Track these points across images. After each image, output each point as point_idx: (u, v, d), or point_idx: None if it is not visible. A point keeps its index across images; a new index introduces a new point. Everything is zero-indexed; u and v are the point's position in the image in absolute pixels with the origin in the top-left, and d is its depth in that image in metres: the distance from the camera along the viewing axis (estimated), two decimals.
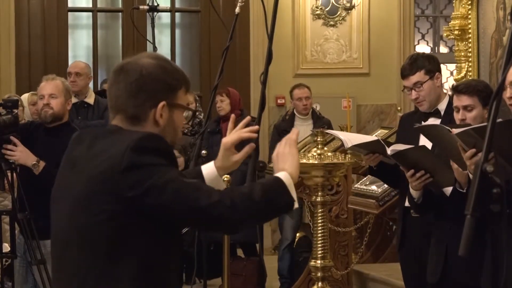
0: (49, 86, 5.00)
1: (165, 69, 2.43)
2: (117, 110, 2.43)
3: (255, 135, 2.72)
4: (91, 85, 9.72)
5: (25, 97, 7.13)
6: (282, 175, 2.39)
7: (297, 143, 2.56)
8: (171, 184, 2.26)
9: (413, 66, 4.35)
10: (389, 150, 3.91)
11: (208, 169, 2.73)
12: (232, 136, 2.72)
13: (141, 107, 2.39)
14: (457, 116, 3.87)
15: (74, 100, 6.80)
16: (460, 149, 3.30)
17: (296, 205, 2.38)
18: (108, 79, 2.46)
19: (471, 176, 3.44)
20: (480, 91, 3.82)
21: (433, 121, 4.29)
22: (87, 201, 2.30)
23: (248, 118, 2.80)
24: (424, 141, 3.99)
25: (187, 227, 2.42)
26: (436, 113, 4.35)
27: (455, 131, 3.32)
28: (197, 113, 8.48)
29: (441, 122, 4.18)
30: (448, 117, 4.18)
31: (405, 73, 4.38)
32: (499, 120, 2.92)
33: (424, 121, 4.33)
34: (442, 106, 4.35)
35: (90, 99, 7.24)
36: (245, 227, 2.44)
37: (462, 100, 3.85)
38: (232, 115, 2.77)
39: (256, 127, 2.73)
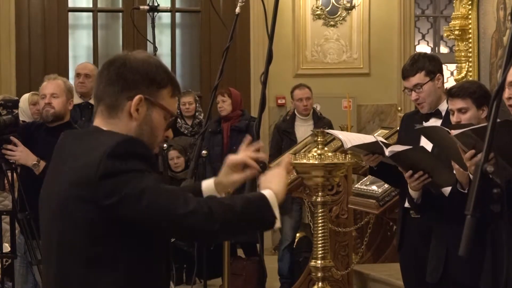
0: (51, 85, 5.01)
1: (150, 64, 2.35)
2: (98, 99, 2.37)
3: (257, 167, 2.59)
4: None
5: (25, 97, 7.12)
6: (266, 192, 2.34)
7: (289, 167, 2.53)
8: (147, 193, 2.19)
9: (414, 67, 4.35)
10: (387, 151, 3.91)
11: (207, 184, 2.62)
12: (238, 156, 2.60)
13: (117, 96, 2.32)
14: (452, 119, 3.90)
15: (79, 100, 6.80)
16: (460, 150, 3.30)
17: (278, 224, 2.32)
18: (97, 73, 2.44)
19: (471, 176, 3.45)
20: (473, 92, 3.84)
21: (434, 121, 4.29)
22: (66, 207, 2.27)
23: (261, 144, 2.67)
24: (425, 140, 3.99)
25: (164, 236, 2.33)
26: (437, 114, 4.35)
27: (454, 132, 3.33)
28: (197, 114, 8.49)
29: (442, 123, 4.19)
30: (449, 118, 4.18)
31: (406, 74, 4.38)
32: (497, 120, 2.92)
33: (425, 121, 4.33)
34: (443, 107, 4.35)
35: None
36: (222, 238, 2.39)
37: (455, 103, 3.88)
38: (249, 137, 2.66)
39: (263, 156, 2.63)
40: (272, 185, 2.38)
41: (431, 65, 4.35)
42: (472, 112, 3.85)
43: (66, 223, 2.27)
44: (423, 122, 4.32)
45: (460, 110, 3.86)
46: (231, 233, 2.41)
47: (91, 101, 7.21)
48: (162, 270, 2.36)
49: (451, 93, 3.91)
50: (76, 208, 2.24)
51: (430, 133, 3.72)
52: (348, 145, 4.19)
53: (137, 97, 2.31)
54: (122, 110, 2.32)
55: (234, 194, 2.46)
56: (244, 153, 2.59)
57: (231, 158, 2.60)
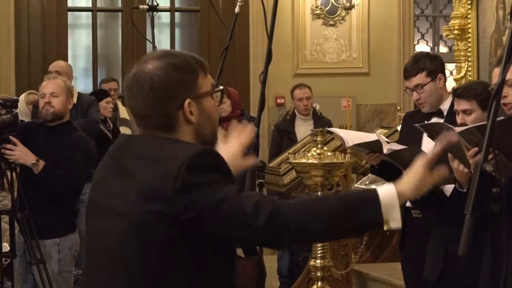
0: (51, 85, 5.01)
1: (174, 66, 2.28)
2: (145, 124, 2.28)
3: (252, 134, 2.59)
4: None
5: (22, 97, 7.12)
6: (384, 188, 2.19)
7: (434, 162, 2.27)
8: (225, 204, 2.13)
9: (415, 67, 4.34)
10: (385, 149, 3.92)
11: None
12: (232, 146, 2.56)
13: (168, 115, 2.25)
14: (457, 120, 3.89)
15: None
16: (463, 148, 3.30)
17: (392, 225, 2.15)
18: (124, 94, 2.35)
19: None
20: (479, 94, 3.82)
21: (435, 120, 4.29)
22: (138, 221, 2.16)
23: (253, 128, 2.66)
24: (427, 139, 3.99)
25: (246, 245, 2.30)
26: (439, 113, 4.35)
27: (458, 129, 3.33)
28: None
29: (444, 122, 4.18)
30: (451, 117, 4.18)
31: (407, 74, 4.37)
32: (500, 118, 2.92)
33: (427, 121, 4.33)
34: (445, 106, 4.35)
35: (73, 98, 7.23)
36: (306, 240, 2.30)
37: (460, 105, 3.86)
38: (235, 122, 2.64)
39: (252, 127, 2.61)
40: (403, 182, 2.22)
41: (432, 65, 4.34)
42: (477, 114, 3.83)
43: (137, 239, 2.16)
44: (425, 121, 4.32)
45: (465, 112, 3.85)
46: (318, 237, 2.31)
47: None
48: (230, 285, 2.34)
49: (457, 94, 3.89)
50: (150, 223, 2.15)
51: (432, 130, 3.72)
52: (349, 143, 4.19)
53: (186, 104, 2.26)
54: (178, 121, 2.26)
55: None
56: (237, 141, 2.57)
57: (228, 153, 2.53)
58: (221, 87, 2.41)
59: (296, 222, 2.14)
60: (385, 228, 2.17)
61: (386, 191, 2.18)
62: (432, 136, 3.80)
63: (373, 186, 6.05)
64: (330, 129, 5.49)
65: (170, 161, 2.16)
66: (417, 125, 3.84)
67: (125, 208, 2.19)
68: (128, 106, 2.36)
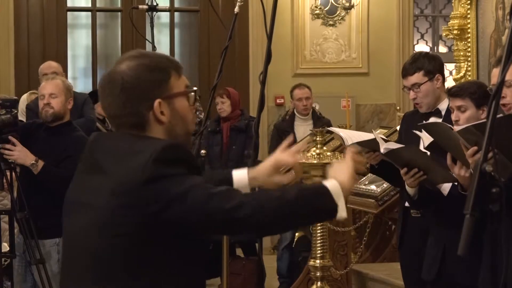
0: (49, 85, 5.00)
1: (146, 66, 2.31)
2: (118, 124, 2.34)
3: (301, 172, 2.69)
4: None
5: (24, 97, 7.12)
6: (329, 181, 2.30)
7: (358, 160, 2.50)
8: (191, 192, 2.17)
9: (413, 66, 4.35)
10: (382, 149, 3.93)
11: (239, 177, 2.60)
12: (286, 157, 2.62)
13: (138, 114, 2.30)
14: (452, 117, 3.91)
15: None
16: (462, 147, 3.30)
17: (342, 214, 2.26)
18: (98, 94, 2.40)
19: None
20: (472, 93, 3.85)
21: (434, 120, 4.29)
22: (110, 216, 2.21)
23: (301, 146, 2.74)
24: (425, 138, 3.99)
25: (213, 234, 2.32)
26: (437, 113, 4.36)
27: (457, 128, 3.33)
28: (197, 113, 8.49)
29: (442, 122, 4.19)
30: (449, 117, 4.19)
31: (405, 72, 4.39)
32: (499, 115, 2.92)
33: (425, 120, 4.34)
34: (443, 106, 4.36)
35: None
36: (276, 230, 2.35)
37: (455, 102, 3.89)
38: (291, 138, 2.66)
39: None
40: (338, 176, 2.34)
41: (430, 65, 4.35)
42: (471, 111, 3.86)
43: (110, 232, 2.21)
44: (423, 121, 4.32)
45: (459, 108, 3.87)
46: (285, 225, 2.35)
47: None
48: (202, 279, 2.36)
49: (451, 93, 3.93)
50: (121, 216, 2.20)
51: (433, 129, 3.73)
52: (348, 142, 4.19)
53: (156, 104, 2.29)
54: (149, 121, 2.30)
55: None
56: (287, 155, 2.62)
57: (279, 157, 2.61)
58: (195, 88, 2.43)
59: (260, 210, 2.19)
60: (337, 216, 2.27)
61: (331, 183, 2.30)
62: (432, 135, 3.81)
63: (372, 187, 6.09)
64: (330, 128, 5.49)
65: (139, 155, 2.21)
66: (416, 133, 3.84)
67: (97, 204, 2.24)
68: (101, 105, 2.40)
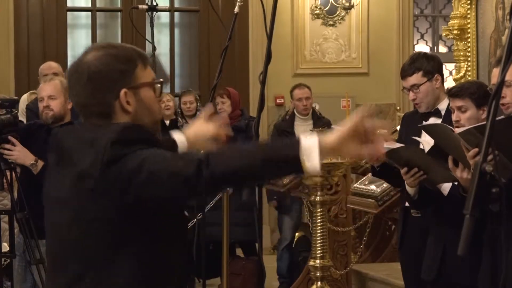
0: (48, 87, 4.98)
1: (112, 56, 2.35)
2: (84, 113, 2.39)
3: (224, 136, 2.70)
4: None
5: (24, 98, 7.12)
6: (308, 137, 2.17)
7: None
8: (146, 161, 2.19)
9: (411, 67, 4.35)
10: None
11: (180, 140, 2.70)
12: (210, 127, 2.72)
13: (104, 104, 2.33)
14: (453, 117, 3.91)
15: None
16: (463, 149, 3.30)
17: (311, 169, 2.12)
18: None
19: None
20: (472, 93, 3.85)
21: (433, 120, 4.29)
22: (77, 204, 2.27)
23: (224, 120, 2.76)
24: (426, 144, 4.00)
25: (173, 199, 2.26)
26: (436, 113, 4.36)
27: (458, 130, 3.33)
28: (198, 113, 8.49)
29: (441, 122, 4.19)
30: (449, 117, 4.19)
31: (404, 73, 4.39)
32: (500, 117, 2.92)
33: (425, 121, 4.34)
34: (443, 106, 4.36)
35: None
36: (228, 181, 2.22)
37: (455, 102, 3.89)
38: (210, 106, 2.71)
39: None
40: (332, 133, 2.19)
41: (429, 66, 4.35)
42: (472, 111, 3.85)
43: (83, 220, 2.26)
44: (423, 122, 4.32)
45: (459, 109, 3.87)
46: (239, 176, 2.22)
47: None
48: (179, 263, 2.36)
49: (451, 93, 3.93)
50: (90, 203, 2.24)
51: (433, 130, 3.72)
52: None
53: (122, 93, 2.33)
54: (115, 110, 2.34)
55: None
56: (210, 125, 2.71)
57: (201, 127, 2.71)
58: (161, 80, 2.46)
59: (217, 159, 2.17)
60: (303, 167, 2.14)
61: (309, 138, 2.16)
62: (433, 136, 3.81)
63: (372, 187, 6.09)
64: (335, 127, 5.45)
65: (99, 140, 2.25)
66: (416, 139, 3.84)
67: (68, 195, 2.29)
68: (69, 95, 2.46)
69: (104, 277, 2.26)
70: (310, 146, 2.14)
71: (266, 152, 2.20)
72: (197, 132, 2.74)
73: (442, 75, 4.42)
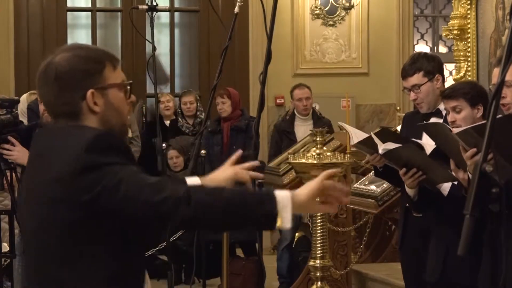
0: None
1: (80, 57, 2.37)
2: (53, 113, 2.41)
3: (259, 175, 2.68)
4: None
5: (23, 98, 7.11)
6: (280, 192, 2.24)
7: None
8: (124, 183, 2.20)
9: (412, 68, 4.36)
10: (380, 149, 3.92)
11: (191, 183, 2.60)
12: (246, 174, 2.67)
13: (71, 104, 2.35)
14: (448, 118, 3.92)
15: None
16: (461, 149, 3.30)
17: (285, 225, 2.21)
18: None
19: (470, 176, 3.45)
20: (465, 93, 3.86)
21: (435, 120, 4.29)
22: (46, 207, 2.28)
23: (256, 163, 2.72)
24: (426, 139, 4.00)
25: (144, 224, 2.29)
26: (437, 113, 4.36)
27: (456, 130, 3.33)
28: (198, 113, 8.50)
29: (443, 122, 4.19)
30: None
31: (404, 74, 4.39)
32: (498, 116, 2.91)
33: (426, 121, 4.34)
34: (444, 106, 4.36)
35: None
36: (203, 226, 2.30)
37: (449, 103, 3.90)
38: (240, 152, 2.64)
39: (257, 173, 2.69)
40: (300, 190, 2.28)
41: (430, 66, 4.35)
42: (467, 111, 3.87)
43: (47, 222, 2.28)
44: (424, 122, 4.32)
45: (454, 109, 3.89)
46: (212, 223, 2.28)
47: None
48: (140, 272, 2.38)
49: (444, 95, 3.95)
50: (57, 207, 2.26)
51: (432, 130, 3.72)
52: (354, 141, 4.20)
53: (88, 94, 2.34)
54: (82, 111, 2.36)
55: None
56: (242, 171, 2.66)
57: (239, 172, 2.66)
58: (130, 81, 2.46)
59: (195, 203, 2.18)
60: (277, 223, 2.22)
61: (282, 193, 2.24)
62: (431, 135, 3.81)
63: (372, 187, 6.09)
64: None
65: (73, 146, 2.26)
66: (418, 141, 3.84)
67: (37, 198, 2.31)
68: (38, 95, 2.47)
69: (67, 281, 2.27)
70: (285, 205, 2.21)
71: (247, 207, 2.22)
72: (213, 178, 2.68)
73: (443, 75, 4.42)
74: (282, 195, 2.22)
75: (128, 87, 2.43)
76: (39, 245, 2.32)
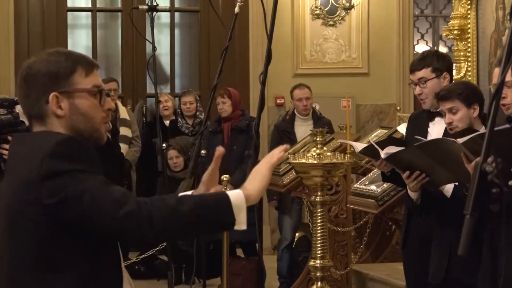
0: None
1: (51, 61, 2.36)
2: (25, 114, 2.43)
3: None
4: None
5: None
6: (233, 193, 2.27)
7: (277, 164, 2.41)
8: (87, 194, 2.20)
9: (421, 62, 4.38)
10: (382, 154, 3.91)
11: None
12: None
13: (36, 105, 2.35)
14: (445, 120, 3.92)
15: None
16: (463, 159, 3.27)
17: (242, 226, 2.24)
18: None
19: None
20: (460, 93, 3.87)
21: (439, 120, 4.29)
22: (12, 212, 2.28)
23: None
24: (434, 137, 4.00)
25: (105, 236, 2.28)
26: (441, 113, 4.36)
27: (460, 140, 3.30)
28: (197, 113, 8.50)
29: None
30: None
31: (413, 67, 4.42)
32: (505, 126, 2.92)
33: (431, 121, 4.35)
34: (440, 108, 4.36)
35: None
36: (166, 239, 2.34)
37: (445, 105, 3.91)
38: (221, 149, 2.51)
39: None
40: (249, 185, 2.31)
41: (439, 63, 4.37)
42: (463, 112, 3.88)
43: (14, 228, 2.28)
44: (429, 122, 4.34)
45: (450, 110, 3.90)
46: (174, 235, 2.36)
47: None
48: (113, 275, 2.36)
49: (439, 97, 3.96)
50: (22, 212, 2.25)
51: (428, 147, 3.70)
52: (358, 149, 4.23)
53: (51, 97, 2.33)
54: (48, 114, 2.35)
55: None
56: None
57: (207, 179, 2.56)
58: (101, 88, 2.42)
59: (156, 220, 2.19)
60: (235, 227, 2.27)
61: (235, 194, 2.26)
62: (428, 153, 3.80)
63: (372, 187, 6.09)
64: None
65: (38, 152, 2.26)
66: (415, 144, 3.83)
67: (6, 206, 2.32)
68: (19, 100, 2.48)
69: (39, 284, 2.27)
70: (240, 207, 2.24)
71: (199, 215, 2.23)
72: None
73: (451, 75, 4.45)
74: (237, 199, 2.26)
75: (103, 93, 2.39)
76: (10, 250, 2.31)
